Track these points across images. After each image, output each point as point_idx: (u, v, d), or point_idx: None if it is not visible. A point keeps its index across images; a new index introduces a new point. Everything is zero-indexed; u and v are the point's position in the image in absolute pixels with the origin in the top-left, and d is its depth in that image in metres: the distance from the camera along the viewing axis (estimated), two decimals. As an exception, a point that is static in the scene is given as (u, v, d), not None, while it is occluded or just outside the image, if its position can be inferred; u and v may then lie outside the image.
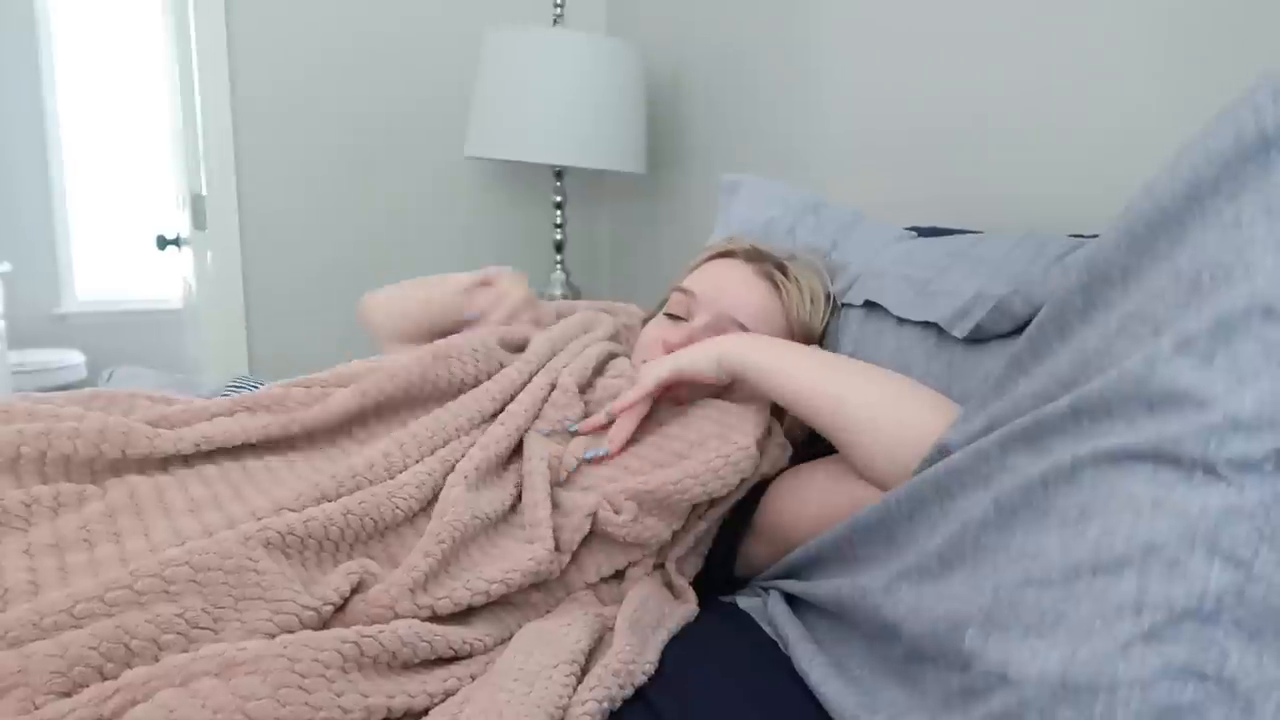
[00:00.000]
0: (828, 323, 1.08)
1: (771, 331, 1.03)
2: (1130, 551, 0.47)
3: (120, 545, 0.62)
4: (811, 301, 1.06)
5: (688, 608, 0.80)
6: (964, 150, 1.25)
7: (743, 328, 1.01)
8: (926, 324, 0.93)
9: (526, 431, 0.88)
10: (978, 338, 0.86)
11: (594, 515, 0.79)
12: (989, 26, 1.19)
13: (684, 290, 1.06)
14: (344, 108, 2.16)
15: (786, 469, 0.90)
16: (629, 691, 0.66)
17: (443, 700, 0.62)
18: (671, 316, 1.06)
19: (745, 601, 0.86)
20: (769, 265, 1.07)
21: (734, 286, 1.04)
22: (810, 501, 0.85)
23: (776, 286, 1.06)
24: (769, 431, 0.88)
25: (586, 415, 0.92)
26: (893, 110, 1.39)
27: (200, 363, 2.25)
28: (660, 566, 0.86)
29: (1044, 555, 0.52)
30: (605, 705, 0.62)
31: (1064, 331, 0.60)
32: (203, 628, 0.57)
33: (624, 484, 0.81)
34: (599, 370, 0.99)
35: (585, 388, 0.95)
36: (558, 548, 0.77)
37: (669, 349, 0.99)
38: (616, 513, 0.80)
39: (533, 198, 2.38)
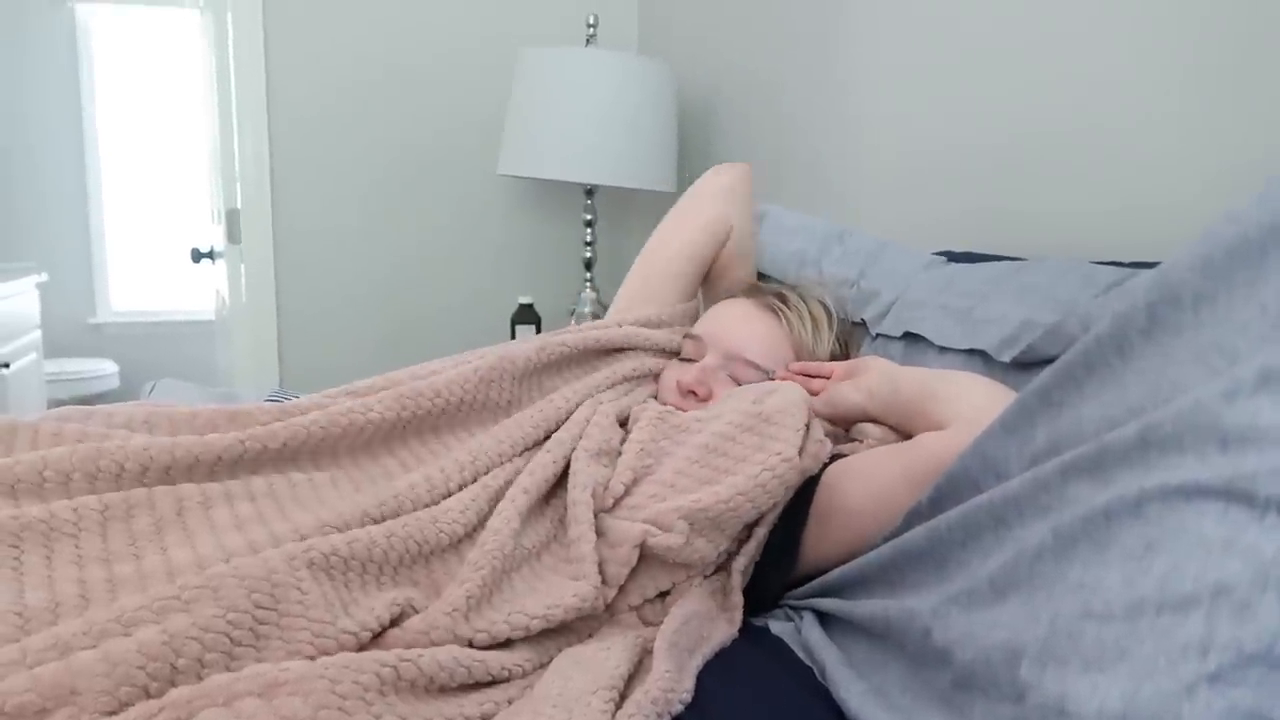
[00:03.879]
0: (847, 345, 1.12)
1: (780, 363, 1.07)
2: (1199, 591, 0.46)
3: (167, 557, 0.63)
4: (814, 325, 1.10)
5: (728, 630, 0.79)
6: (998, 172, 1.24)
7: (751, 364, 1.04)
8: (970, 352, 0.92)
9: (573, 453, 0.88)
10: (1025, 362, 0.84)
11: (641, 544, 0.78)
12: (1023, 48, 1.19)
13: (692, 336, 1.10)
14: (378, 125, 2.18)
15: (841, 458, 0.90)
16: (666, 719, 0.65)
17: None
18: (685, 361, 1.09)
19: (777, 626, 0.84)
20: (768, 297, 1.12)
21: (735, 323, 1.09)
22: (863, 473, 0.86)
23: (777, 316, 1.09)
24: (808, 430, 0.88)
25: (624, 441, 0.92)
26: (926, 131, 1.38)
27: (232, 374, 2.27)
28: (717, 572, 0.85)
29: (1105, 588, 0.50)
30: None
31: (1123, 349, 0.58)
32: (246, 645, 0.57)
33: (674, 503, 0.80)
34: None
35: (623, 419, 0.97)
36: (604, 582, 0.76)
37: (683, 389, 1.03)
38: (666, 531, 0.79)
39: (563, 215, 2.39)
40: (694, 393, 1.02)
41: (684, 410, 1.01)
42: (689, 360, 1.08)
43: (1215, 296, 0.53)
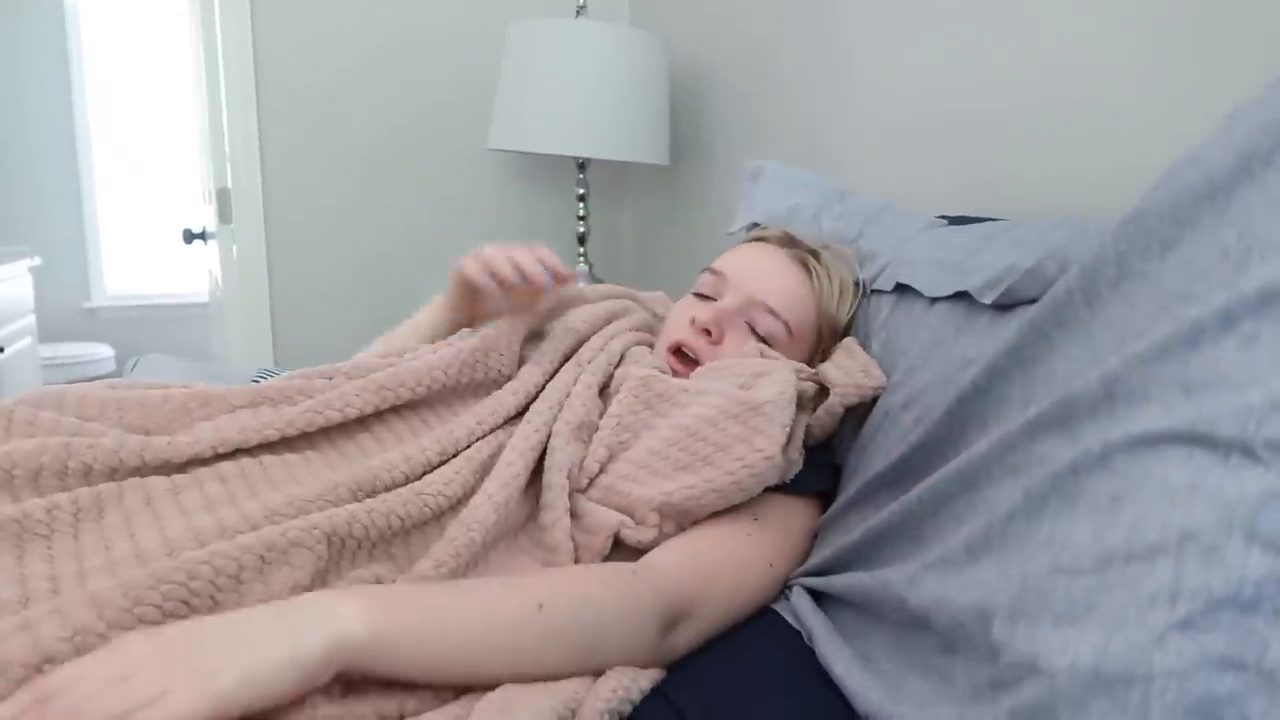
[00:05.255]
0: (855, 312, 1.07)
1: (799, 319, 1.02)
2: (1165, 538, 0.46)
3: (135, 543, 0.61)
4: (840, 292, 1.05)
5: None
6: (993, 139, 1.23)
7: (770, 311, 1.00)
8: (956, 300, 0.91)
9: (554, 426, 0.86)
10: (1006, 303, 0.83)
11: (615, 535, 0.78)
12: (1018, 13, 1.17)
13: (714, 271, 1.05)
14: (368, 101, 2.17)
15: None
16: (646, 687, 0.65)
17: (454, 698, 0.60)
18: (700, 297, 1.04)
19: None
20: (802, 252, 1.06)
21: (764, 269, 1.03)
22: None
23: (809, 273, 1.05)
24: (790, 437, 0.85)
25: (603, 413, 0.90)
26: (919, 99, 1.37)
27: (227, 355, 2.27)
28: None
29: (1075, 543, 0.50)
30: (621, 703, 0.61)
31: (1092, 302, 0.57)
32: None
33: (647, 493, 0.79)
34: (620, 363, 0.98)
35: (604, 384, 0.94)
36: None
37: (698, 326, 0.99)
38: (640, 524, 0.79)
39: (555, 190, 2.38)
40: (707, 332, 0.98)
41: (692, 346, 0.99)
42: (703, 296, 1.04)
43: (1181, 242, 0.52)
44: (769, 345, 1.00)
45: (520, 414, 0.88)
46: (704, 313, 0.99)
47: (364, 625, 0.53)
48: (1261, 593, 0.43)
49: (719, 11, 1.98)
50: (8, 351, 2.78)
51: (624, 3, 2.39)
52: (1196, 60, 0.95)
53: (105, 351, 4.03)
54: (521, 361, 0.95)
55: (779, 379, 0.86)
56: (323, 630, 0.51)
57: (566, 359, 0.97)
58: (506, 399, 0.87)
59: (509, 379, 0.92)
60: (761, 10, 1.80)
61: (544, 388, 0.92)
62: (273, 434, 0.76)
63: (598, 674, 0.64)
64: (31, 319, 3.10)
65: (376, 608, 0.55)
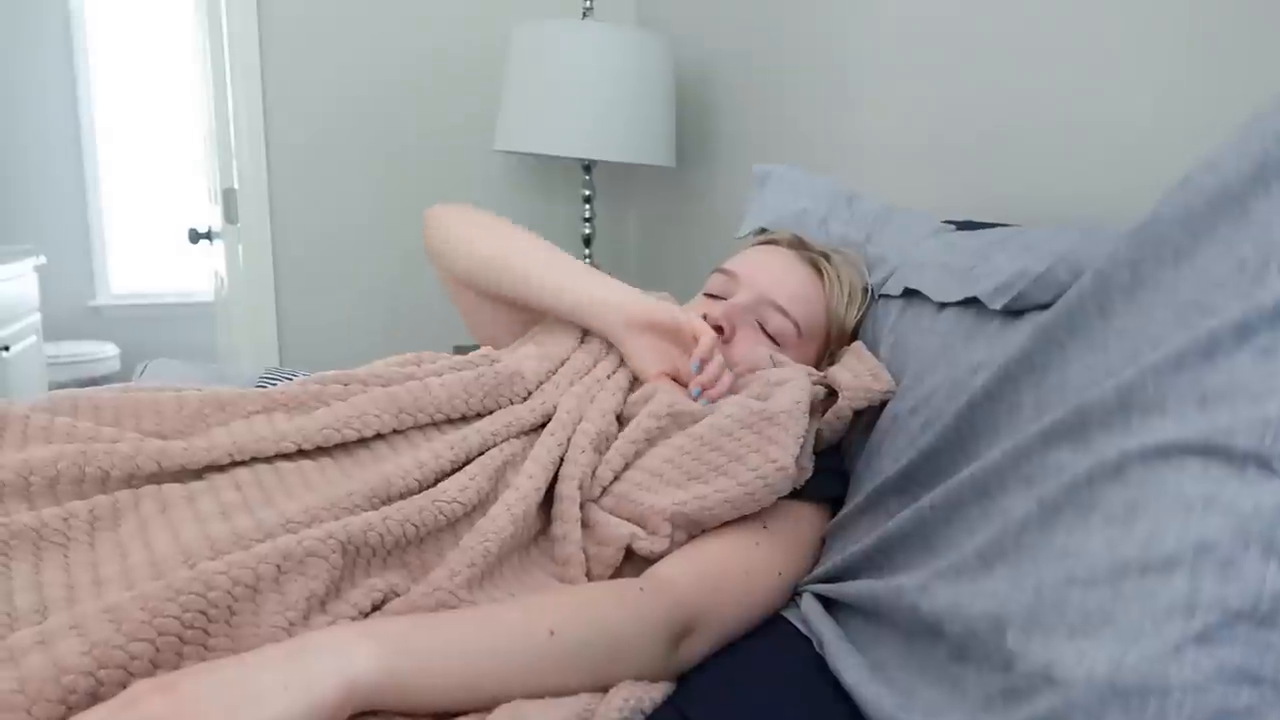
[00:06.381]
0: (862, 316, 1.08)
1: (808, 319, 1.02)
2: (1181, 550, 0.45)
3: (150, 552, 0.61)
4: (849, 296, 1.06)
5: None
6: (996, 146, 1.23)
7: (781, 309, 1.00)
8: (965, 305, 0.90)
9: (571, 439, 0.85)
10: (1016, 309, 0.82)
11: (627, 547, 0.77)
12: (1020, 21, 1.17)
13: (725, 271, 1.05)
14: (374, 101, 2.17)
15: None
16: (658, 698, 0.65)
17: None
18: (711, 297, 1.05)
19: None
20: (812, 253, 1.08)
21: (775, 268, 1.04)
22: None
23: (819, 274, 1.06)
24: (802, 445, 0.85)
25: (621, 426, 0.90)
26: (923, 105, 1.37)
27: (232, 356, 2.27)
28: None
29: (1089, 554, 0.50)
30: (633, 713, 0.61)
31: (1105, 309, 0.57)
32: (220, 635, 0.56)
33: (660, 502, 0.78)
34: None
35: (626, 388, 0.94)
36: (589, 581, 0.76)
37: (710, 323, 0.98)
38: (653, 534, 0.78)
39: (561, 191, 2.38)
40: (719, 329, 0.98)
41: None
42: (714, 296, 1.04)
43: (1195, 252, 0.52)
44: (778, 344, 1.00)
45: (538, 427, 0.88)
46: (715, 308, 1.00)
47: (376, 664, 0.53)
48: (1278, 606, 0.43)
49: (725, 14, 1.98)
50: (13, 350, 2.79)
51: (630, 4, 2.39)
52: (1207, 69, 0.94)
53: (110, 350, 4.03)
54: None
55: (795, 388, 0.85)
56: (336, 675, 0.52)
57: (583, 373, 0.96)
58: (524, 413, 0.87)
59: (525, 399, 0.91)
60: (768, 13, 1.80)
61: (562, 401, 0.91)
62: (289, 446, 0.75)
63: (608, 687, 0.64)
64: (37, 317, 3.11)
65: (388, 646, 0.55)
